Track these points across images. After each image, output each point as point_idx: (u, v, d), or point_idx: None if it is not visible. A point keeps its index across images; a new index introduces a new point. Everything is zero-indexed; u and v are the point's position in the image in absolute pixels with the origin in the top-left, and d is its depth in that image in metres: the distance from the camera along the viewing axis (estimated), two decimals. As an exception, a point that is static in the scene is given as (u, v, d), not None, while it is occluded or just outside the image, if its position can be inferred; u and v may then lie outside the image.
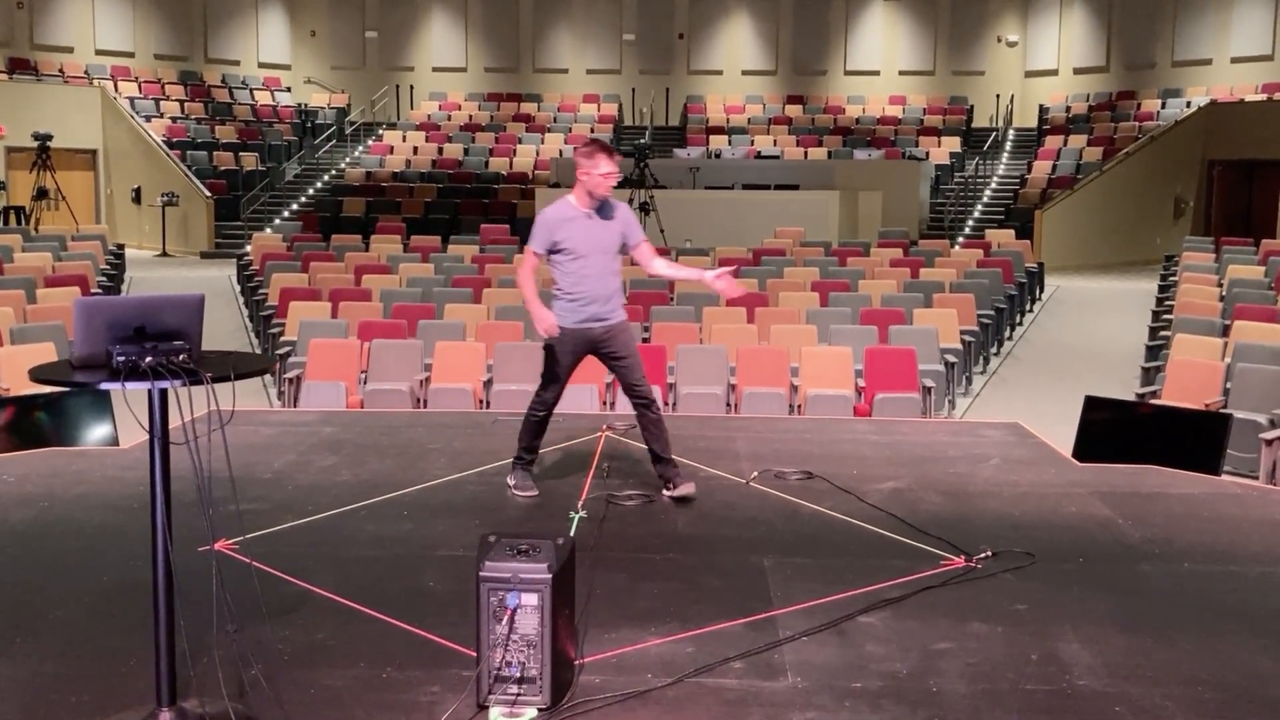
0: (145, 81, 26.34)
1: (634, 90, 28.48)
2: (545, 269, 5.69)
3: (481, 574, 3.42)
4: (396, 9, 28.94)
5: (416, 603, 4.33)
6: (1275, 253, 14.92)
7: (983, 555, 4.87)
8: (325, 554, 4.92)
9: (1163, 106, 25.18)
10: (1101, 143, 23.99)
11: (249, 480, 5.90)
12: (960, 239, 20.90)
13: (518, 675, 3.41)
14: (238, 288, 16.43)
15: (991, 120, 27.18)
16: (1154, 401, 8.46)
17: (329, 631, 4.07)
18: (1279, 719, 3.54)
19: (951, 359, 9.99)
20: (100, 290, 13.83)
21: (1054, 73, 27.98)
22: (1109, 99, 26.60)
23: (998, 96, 27.49)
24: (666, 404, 8.41)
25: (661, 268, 5.80)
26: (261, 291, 13.46)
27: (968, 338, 11.14)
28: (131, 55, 26.65)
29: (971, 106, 27.60)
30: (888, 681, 3.71)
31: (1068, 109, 26.74)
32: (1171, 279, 15.24)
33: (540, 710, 3.43)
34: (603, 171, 5.42)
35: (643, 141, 21.91)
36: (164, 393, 3.22)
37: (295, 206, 23.49)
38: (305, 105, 27.90)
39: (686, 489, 5.65)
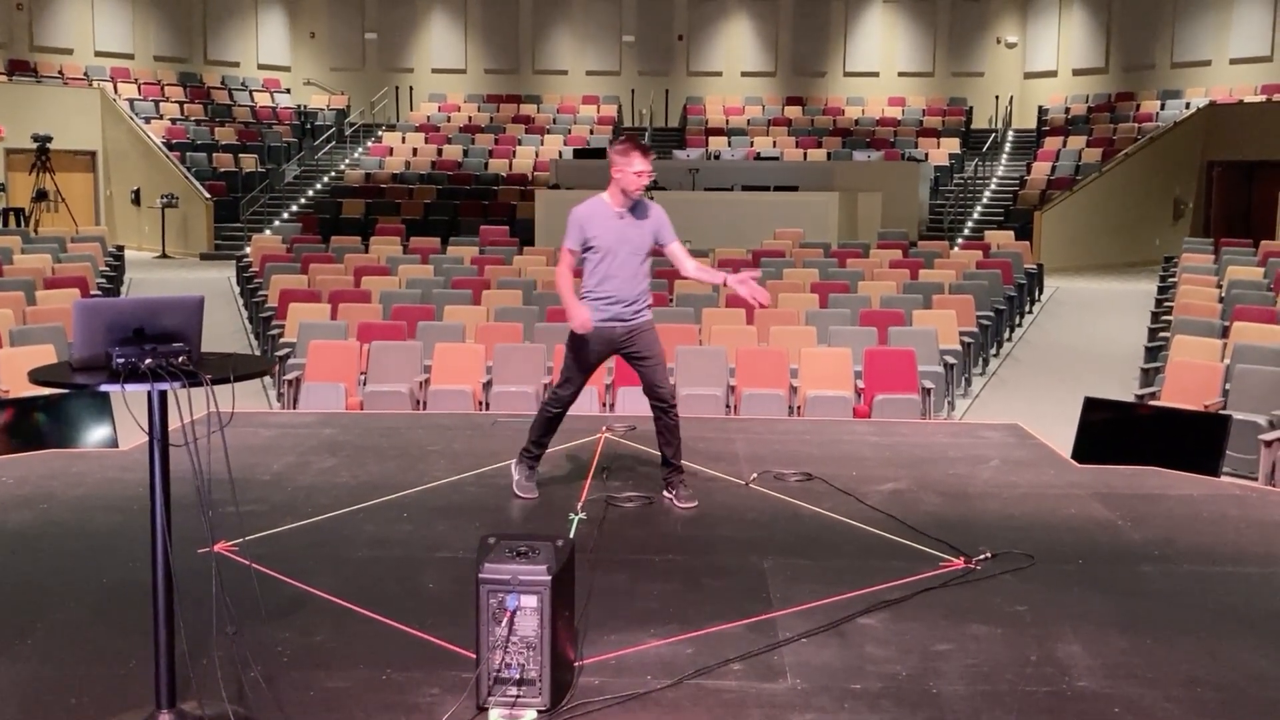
0: (145, 83, 26.35)
1: (633, 91, 28.49)
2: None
3: (481, 576, 3.42)
4: (396, 10, 28.95)
5: (416, 604, 4.33)
6: (1274, 254, 14.92)
7: (982, 556, 4.87)
8: (325, 555, 4.92)
9: (1162, 108, 25.20)
10: (1101, 144, 24.00)
11: (248, 482, 5.90)
12: (959, 240, 20.93)
13: (517, 677, 3.41)
14: (237, 289, 16.44)
15: (991, 121, 27.19)
16: (1153, 403, 8.46)
17: (328, 633, 4.07)
18: (1279, 720, 3.54)
19: (951, 360, 9.99)
20: (100, 292, 13.83)
21: (1053, 74, 28.00)
22: (1108, 100, 26.61)
23: (997, 98, 27.50)
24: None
25: (693, 270, 5.68)
26: (261, 293, 13.46)
27: (967, 339, 11.14)
28: (131, 57, 26.66)
29: (971, 108, 27.62)
30: (887, 683, 3.71)
31: (1067, 110, 26.75)
32: (1171, 280, 15.24)
33: (540, 712, 3.43)
34: (636, 169, 5.38)
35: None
36: (163, 394, 3.22)
37: (295, 208, 23.51)
38: (305, 107, 27.91)
39: (688, 506, 5.61)
